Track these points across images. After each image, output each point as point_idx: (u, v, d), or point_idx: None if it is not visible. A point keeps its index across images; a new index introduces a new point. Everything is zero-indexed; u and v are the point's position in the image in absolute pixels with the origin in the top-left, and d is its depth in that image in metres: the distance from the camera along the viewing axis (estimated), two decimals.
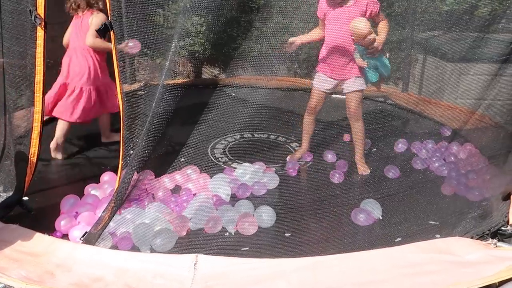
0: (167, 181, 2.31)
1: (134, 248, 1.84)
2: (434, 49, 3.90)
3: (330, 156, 2.75)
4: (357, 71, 2.56)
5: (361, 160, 2.66)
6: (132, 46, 2.29)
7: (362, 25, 2.41)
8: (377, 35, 2.48)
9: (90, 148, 3.11)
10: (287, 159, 2.74)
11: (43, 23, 1.80)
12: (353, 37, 2.46)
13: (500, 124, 2.45)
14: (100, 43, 2.72)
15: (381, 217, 2.11)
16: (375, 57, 2.51)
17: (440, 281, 1.52)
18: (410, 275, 1.56)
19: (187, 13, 3.41)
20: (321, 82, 2.66)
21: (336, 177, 2.50)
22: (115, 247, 1.82)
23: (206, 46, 4.52)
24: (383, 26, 2.52)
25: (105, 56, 2.91)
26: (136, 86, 3.89)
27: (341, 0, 2.48)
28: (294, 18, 3.04)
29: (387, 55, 2.60)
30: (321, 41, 2.66)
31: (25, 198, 2.24)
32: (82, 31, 2.84)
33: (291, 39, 2.57)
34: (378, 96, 3.87)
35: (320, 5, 2.58)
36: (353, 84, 2.59)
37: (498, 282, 1.55)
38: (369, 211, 2.11)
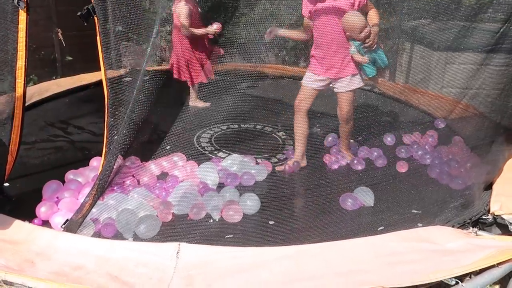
0: (153, 167, 2.29)
1: (118, 235, 1.83)
2: (421, 38, 3.90)
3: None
4: (353, 69, 2.44)
5: (346, 150, 2.65)
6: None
7: (356, 18, 2.30)
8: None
9: (74, 132, 3.08)
10: (286, 168, 2.53)
11: (26, 6, 1.74)
12: (347, 33, 2.35)
13: (484, 114, 2.46)
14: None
15: (372, 204, 2.14)
16: (372, 51, 2.40)
17: (420, 270, 1.54)
18: (392, 264, 1.57)
19: None
20: (312, 81, 2.51)
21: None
22: (97, 234, 1.81)
23: None
24: (374, 15, 2.40)
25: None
26: (122, 71, 3.85)
27: None
28: (281, 4, 3.01)
29: (382, 46, 2.50)
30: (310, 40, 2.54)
31: (6, 184, 2.21)
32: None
33: (271, 28, 2.46)
34: (365, 85, 3.87)
35: (305, 2, 2.43)
36: (349, 84, 2.47)
37: (479, 270, 1.58)
38: (357, 197, 2.14)
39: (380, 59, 2.46)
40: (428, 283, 1.46)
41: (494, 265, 1.58)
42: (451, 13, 3.07)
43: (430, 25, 3.70)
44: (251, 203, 2.08)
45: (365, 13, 2.42)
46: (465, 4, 3.07)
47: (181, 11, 3.31)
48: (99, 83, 3.92)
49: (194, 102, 3.59)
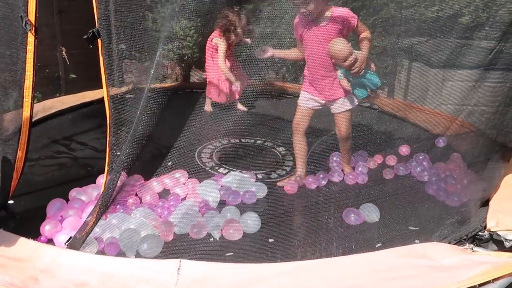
0: (155, 184, 2.33)
1: (120, 253, 1.86)
2: (419, 55, 3.98)
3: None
4: (344, 91, 2.47)
5: (347, 165, 2.70)
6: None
7: (340, 47, 2.31)
8: (360, 49, 2.41)
9: (77, 148, 3.13)
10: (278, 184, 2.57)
11: (33, 29, 1.82)
12: (332, 60, 2.37)
13: (480, 131, 2.51)
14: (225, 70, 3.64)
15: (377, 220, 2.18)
16: (360, 76, 2.42)
17: (416, 285, 1.57)
18: (388, 280, 1.60)
19: (175, 17, 3.45)
20: (307, 100, 2.56)
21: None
22: (101, 252, 1.84)
23: (195, 50, 4.56)
24: (364, 39, 2.41)
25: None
26: (124, 89, 3.93)
27: (315, 19, 2.32)
28: (282, 23, 3.08)
29: (373, 66, 2.50)
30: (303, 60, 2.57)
31: (10, 201, 2.25)
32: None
33: (263, 47, 2.48)
34: (363, 103, 3.93)
35: (296, 26, 2.44)
36: (342, 105, 2.50)
37: (479, 285, 1.60)
38: (360, 212, 2.19)
39: (370, 82, 2.46)
40: None
41: (490, 281, 1.61)
42: (447, 31, 3.14)
43: (427, 42, 3.78)
44: (252, 223, 2.11)
45: (357, 35, 2.45)
46: (462, 22, 3.15)
47: (220, 47, 3.65)
48: (102, 100, 4.01)
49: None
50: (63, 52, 4.48)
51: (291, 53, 2.59)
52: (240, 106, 3.75)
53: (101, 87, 4.23)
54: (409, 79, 4.24)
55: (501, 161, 2.33)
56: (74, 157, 2.99)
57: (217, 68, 3.73)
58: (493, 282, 1.61)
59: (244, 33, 3.62)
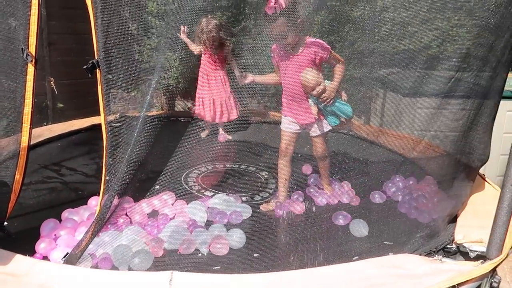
0: (144, 205, 2.45)
1: (113, 268, 1.96)
2: (392, 84, 4.25)
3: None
4: (313, 117, 2.59)
5: (327, 185, 2.85)
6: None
7: (309, 77, 2.42)
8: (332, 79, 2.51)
9: (67, 173, 3.23)
10: (262, 208, 2.68)
11: (34, 60, 1.97)
12: (303, 88, 2.49)
13: (445, 153, 2.72)
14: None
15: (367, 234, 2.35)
16: (330, 105, 2.55)
17: None
18: (366, 287, 1.75)
19: (162, 49, 3.66)
20: (288, 124, 2.69)
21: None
22: (95, 267, 1.94)
23: (180, 80, 4.75)
24: (337, 70, 2.51)
25: None
26: (111, 117, 4.07)
27: (289, 49, 2.45)
28: (262, 55, 3.30)
29: (344, 96, 2.63)
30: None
31: (5, 223, 2.34)
32: None
33: (244, 73, 2.59)
34: (341, 129, 4.16)
35: (273, 52, 2.57)
36: (317, 129, 2.64)
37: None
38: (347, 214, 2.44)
39: (340, 111, 2.61)
40: None
41: (455, 286, 1.77)
42: (419, 61, 3.40)
43: (399, 73, 4.05)
44: (237, 238, 2.25)
45: (331, 66, 2.56)
46: (431, 54, 3.41)
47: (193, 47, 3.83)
48: (89, 128, 4.16)
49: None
50: (52, 82, 4.62)
51: (270, 78, 2.71)
52: (222, 135, 3.90)
53: (88, 116, 4.37)
54: (384, 106, 4.51)
55: (466, 180, 2.55)
56: (64, 182, 3.09)
57: (222, 87, 3.90)
58: (458, 287, 1.77)
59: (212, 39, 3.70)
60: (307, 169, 3.12)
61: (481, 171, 2.71)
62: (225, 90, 3.93)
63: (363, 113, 4.71)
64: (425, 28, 3.72)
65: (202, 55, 3.89)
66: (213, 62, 3.88)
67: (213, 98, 3.91)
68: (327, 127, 2.68)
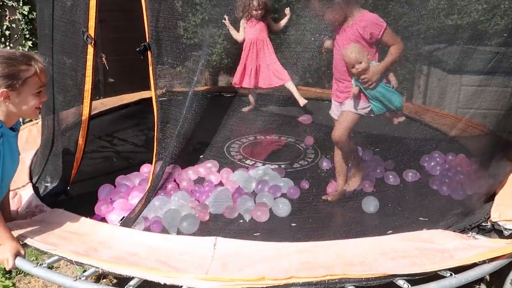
0: (191, 173, 2.64)
1: (164, 231, 2.17)
2: (437, 61, 4.17)
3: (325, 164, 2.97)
4: (350, 95, 2.42)
5: (340, 176, 2.62)
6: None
7: (349, 53, 2.28)
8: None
9: (119, 143, 3.49)
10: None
11: (93, 42, 2.15)
12: (345, 65, 2.34)
13: (485, 131, 2.70)
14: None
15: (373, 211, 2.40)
16: (373, 88, 2.35)
17: (419, 262, 1.80)
18: (394, 257, 1.84)
19: (206, 26, 3.79)
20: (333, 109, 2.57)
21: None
22: (147, 229, 2.16)
23: (223, 56, 4.87)
24: (390, 51, 2.31)
25: None
26: (158, 92, 4.28)
27: (340, 21, 2.31)
28: (306, 31, 3.34)
29: (393, 82, 2.41)
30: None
31: (68, 187, 2.59)
32: None
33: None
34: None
35: (331, 22, 2.40)
36: (346, 105, 2.44)
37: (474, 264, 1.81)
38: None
39: (385, 98, 2.37)
40: (424, 272, 1.73)
41: (485, 261, 1.82)
42: (469, 37, 3.31)
43: (447, 48, 3.97)
44: (283, 207, 2.40)
45: (387, 47, 2.34)
46: (476, 29, 3.32)
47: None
48: (138, 102, 4.39)
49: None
50: (103, 58, 4.86)
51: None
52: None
53: (137, 91, 4.59)
54: (428, 83, 4.44)
55: (505, 159, 2.54)
56: (116, 151, 3.35)
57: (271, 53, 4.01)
58: (488, 262, 1.82)
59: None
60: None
61: None
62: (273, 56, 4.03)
63: (406, 90, 4.67)
64: (475, 1, 3.62)
65: (247, 25, 4.01)
66: (260, 30, 3.99)
67: (260, 64, 4.04)
68: (357, 108, 2.42)
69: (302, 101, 3.87)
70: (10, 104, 1.83)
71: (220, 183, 2.69)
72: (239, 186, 2.58)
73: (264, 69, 4.02)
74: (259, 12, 3.91)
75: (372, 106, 2.43)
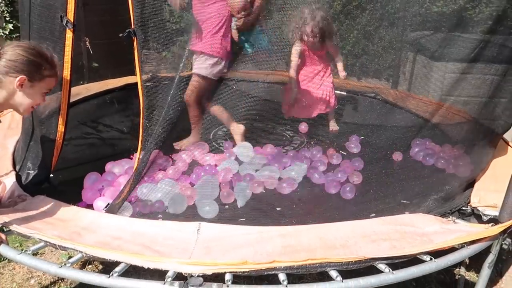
0: (184, 156, 2.73)
1: (151, 216, 2.19)
2: (423, 48, 4.20)
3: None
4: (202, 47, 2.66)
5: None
6: None
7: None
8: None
9: (104, 130, 3.46)
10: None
11: (73, 26, 2.11)
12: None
13: (466, 118, 2.75)
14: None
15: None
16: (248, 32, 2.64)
17: (399, 246, 1.84)
18: (374, 240, 1.88)
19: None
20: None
21: None
22: (134, 215, 2.16)
23: None
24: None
25: None
26: (144, 77, 4.24)
27: None
28: (292, 16, 3.32)
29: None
30: None
31: (51, 175, 2.57)
32: None
33: None
34: (368, 92, 4.19)
35: None
36: (195, 65, 2.75)
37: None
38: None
39: (254, 40, 2.70)
40: (403, 255, 1.76)
41: (464, 245, 1.86)
42: (454, 24, 3.34)
43: (432, 36, 4.00)
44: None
45: None
46: (467, 16, 3.33)
47: None
48: (123, 88, 4.34)
49: None
50: (87, 42, 4.78)
51: None
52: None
53: (122, 76, 4.51)
54: (413, 71, 4.48)
55: (487, 146, 2.58)
56: (101, 138, 3.32)
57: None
58: (466, 246, 1.87)
59: None
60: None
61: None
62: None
63: (391, 77, 4.70)
64: None
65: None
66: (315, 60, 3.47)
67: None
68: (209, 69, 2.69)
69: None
70: (19, 92, 1.86)
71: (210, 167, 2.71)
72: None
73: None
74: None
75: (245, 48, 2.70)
